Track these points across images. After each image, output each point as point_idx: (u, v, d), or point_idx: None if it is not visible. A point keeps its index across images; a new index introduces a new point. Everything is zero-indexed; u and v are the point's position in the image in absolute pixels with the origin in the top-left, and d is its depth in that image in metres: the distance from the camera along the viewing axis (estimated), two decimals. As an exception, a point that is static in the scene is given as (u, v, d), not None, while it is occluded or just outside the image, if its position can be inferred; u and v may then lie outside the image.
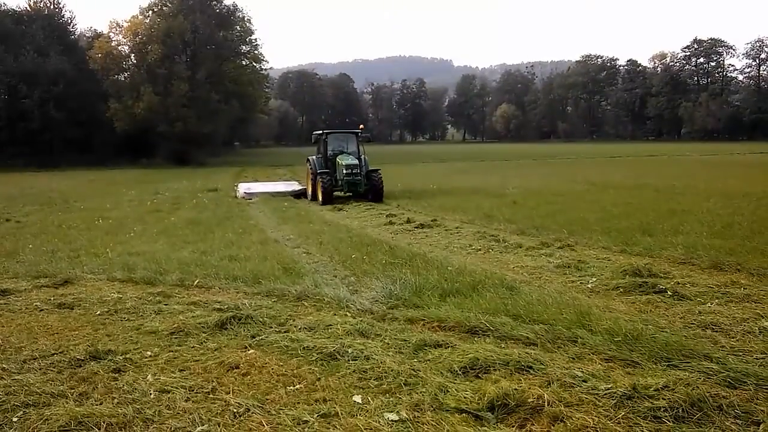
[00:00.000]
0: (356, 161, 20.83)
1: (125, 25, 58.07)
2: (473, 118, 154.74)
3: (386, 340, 5.60)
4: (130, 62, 59.95)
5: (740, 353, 5.10)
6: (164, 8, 60.06)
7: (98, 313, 6.88)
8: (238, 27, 65.64)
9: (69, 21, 64.18)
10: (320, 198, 20.19)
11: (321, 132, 22.58)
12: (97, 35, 62.40)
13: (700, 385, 4.27)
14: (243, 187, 23.94)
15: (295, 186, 24.71)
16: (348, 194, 20.98)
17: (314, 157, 22.03)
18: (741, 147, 67.40)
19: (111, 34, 58.91)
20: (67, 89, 53.97)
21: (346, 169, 20.43)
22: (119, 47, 58.76)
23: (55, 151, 53.95)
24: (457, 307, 6.45)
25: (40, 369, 5.10)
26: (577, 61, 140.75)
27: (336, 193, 20.69)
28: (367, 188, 20.62)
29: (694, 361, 4.77)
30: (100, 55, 56.04)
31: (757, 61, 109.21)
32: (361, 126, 25.49)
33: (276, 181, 30.18)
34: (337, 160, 21.05)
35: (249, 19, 66.19)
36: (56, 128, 53.59)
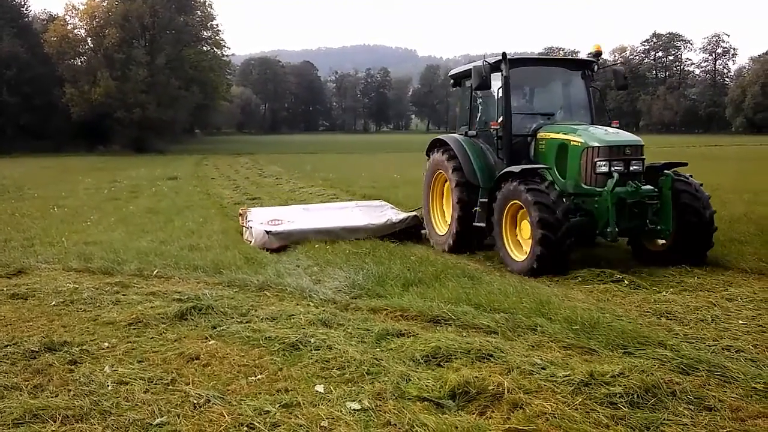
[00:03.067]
0: (633, 136, 8.35)
1: (81, 7, 56.40)
2: (437, 108, 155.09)
3: (349, 330, 5.60)
4: (87, 46, 58.29)
5: (693, 340, 5.27)
6: (122, -9, 58.50)
7: (53, 303, 6.73)
8: (198, 12, 64.48)
9: (22, 3, 62.06)
10: (536, 252, 7.58)
11: (495, 57, 9.01)
12: (52, 18, 60.47)
13: (655, 371, 4.38)
14: (261, 218, 11.08)
15: (390, 213, 11.41)
16: (614, 240, 7.99)
17: (460, 135, 9.89)
18: (696, 140, 69.31)
19: (67, 16, 57.14)
20: (20, 73, 52.31)
21: (610, 160, 7.92)
22: (75, 30, 57.05)
23: (8, 137, 52.18)
24: (420, 297, 6.51)
25: (-8, 361, 4.96)
26: (539, 53, 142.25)
27: None
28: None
29: (649, 349, 4.89)
30: (55, 38, 54.23)
31: (714, 55, 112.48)
32: (598, 46, 9.61)
33: (340, 200, 15.19)
34: (556, 137, 8.66)
35: (210, 4, 65.18)
36: (9, 113, 51.98)
